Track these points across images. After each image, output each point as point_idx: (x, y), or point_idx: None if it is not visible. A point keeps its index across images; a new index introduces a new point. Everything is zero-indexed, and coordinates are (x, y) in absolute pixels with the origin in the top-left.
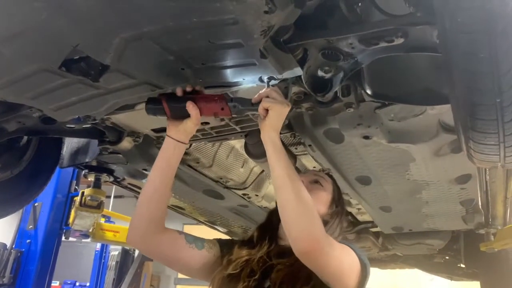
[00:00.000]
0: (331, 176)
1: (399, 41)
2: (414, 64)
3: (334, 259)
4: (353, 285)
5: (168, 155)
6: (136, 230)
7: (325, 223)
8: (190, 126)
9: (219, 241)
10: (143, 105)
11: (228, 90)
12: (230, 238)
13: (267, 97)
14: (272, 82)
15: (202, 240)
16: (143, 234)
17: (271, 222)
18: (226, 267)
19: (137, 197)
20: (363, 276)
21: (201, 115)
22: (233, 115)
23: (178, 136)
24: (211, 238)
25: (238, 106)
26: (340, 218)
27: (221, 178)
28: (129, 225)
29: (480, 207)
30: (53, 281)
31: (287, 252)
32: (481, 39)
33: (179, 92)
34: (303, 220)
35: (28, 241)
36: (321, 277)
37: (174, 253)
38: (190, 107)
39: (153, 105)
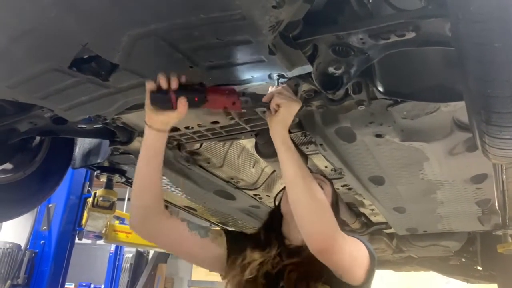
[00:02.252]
0: (329, 179)
1: (411, 35)
2: (427, 60)
3: (347, 254)
4: (363, 276)
5: (150, 144)
6: (134, 218)
7: None
8: (172, 118)
9: (226, 232)
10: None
11: (237, 88)
12: (239, 231)
13: (279, 94)
14: (282, 79)
15: (206, 228)
16: (142, 222)
17: (273, 223)
18: (241, 272)
19: None
20: (372, 267)
21: (210, 107)
22: (243, 110)
23: (159, 126)
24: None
25: (249, 101)
26: (337, 220)
27: (232, 179)
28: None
29: (496, 207)
30: (68, 283)
31: (296, 251)
32: (495, 28)
33: (163, 83)
34: (316, 218)
35: (42, 242)
36: (335, 271)
37: (175, 240)
38: (180, 102)
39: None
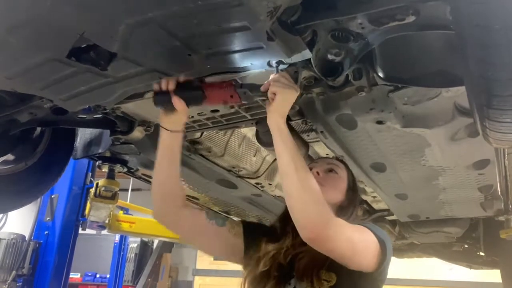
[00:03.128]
0: (344, 162)
1: (411, 19)
2: (428, 45)
3: (343, 242)
4: (371, 264)
5: (167, 144)
6: (155, 209)
7: (342, 209)
8: (180, 117)
9: (244, 222)
10: (152, 93)
11: (236, 76)
12: (257, 222)
13: (275, 82)
14: (281, 66)
15: (224, 218)
16: (162, 212)
17: (288, 214)
18: (256, 265)
19: None
20: (383, 254)
21: (209, 103)
22: (243, 102)
23: (170, 126)
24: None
25: (247, 92)
26: (355, 202)
27: (233, 167)
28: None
29: (499, 193)
30: (74, 273)
31: None
32: (495, 9)
33: (163, 85)
34: (306, 208)
35: (46, 232)
36: (334, 259)
37: (194, 228)
38: (176, 101)
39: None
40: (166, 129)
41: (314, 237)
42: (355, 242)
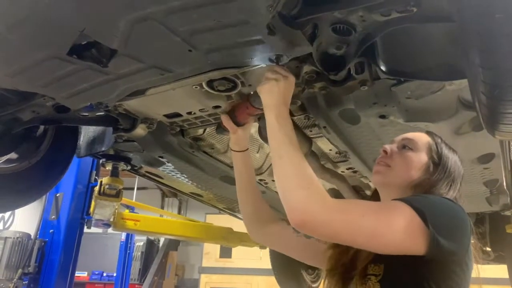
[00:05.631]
0: (429, 132)
1: (412, 11)
2: (430, 37)
3: (344, 225)
4: (410, 243)
5: (236, 165)
6: (249, 231)
7: (422, 187)
8: (232, 136)
9: None
10: (154, 90)
11: (237, 71)
12: None
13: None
14: (282, 61)
15: None
16: (254, 233)
17: None
18: (327, 264)
19: (160, 188)
20: (426, 227)
21: (242, 123)
22: (258, 107)
23: (234, 147)
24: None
25: (256, 99)
26: (445, 178)
27: None
28: None
29: (505, 187)
30: (81, 272)
31: None
32: None
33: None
34: (290, 194)
35: (51, 231)
36: (357, 247)
37: (284, 244)
38: (225, 121)
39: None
40: (235, 151)
41: (298, 223)
42: (368, 222)
